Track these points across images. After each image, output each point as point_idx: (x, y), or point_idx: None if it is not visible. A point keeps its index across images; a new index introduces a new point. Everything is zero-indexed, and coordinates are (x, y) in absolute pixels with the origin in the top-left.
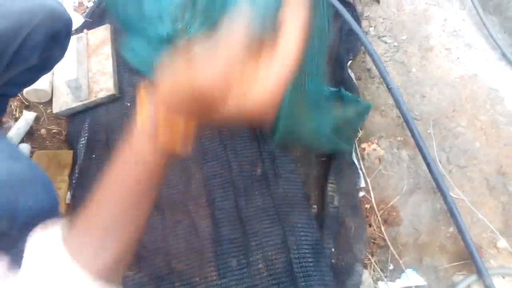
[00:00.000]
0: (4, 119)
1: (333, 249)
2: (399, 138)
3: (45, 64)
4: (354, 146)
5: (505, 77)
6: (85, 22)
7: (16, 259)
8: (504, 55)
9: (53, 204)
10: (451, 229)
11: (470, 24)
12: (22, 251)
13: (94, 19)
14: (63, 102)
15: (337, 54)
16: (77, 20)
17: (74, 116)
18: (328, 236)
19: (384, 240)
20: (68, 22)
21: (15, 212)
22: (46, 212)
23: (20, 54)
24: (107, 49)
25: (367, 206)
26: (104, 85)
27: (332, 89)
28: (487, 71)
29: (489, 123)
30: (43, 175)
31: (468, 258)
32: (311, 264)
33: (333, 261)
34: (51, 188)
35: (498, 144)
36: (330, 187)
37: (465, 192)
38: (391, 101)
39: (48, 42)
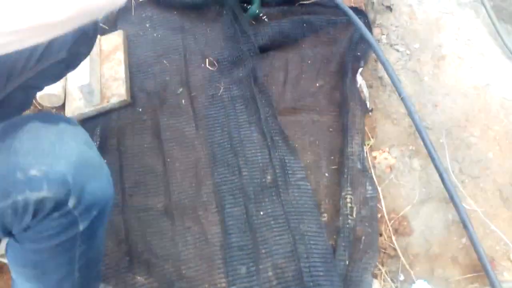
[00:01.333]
0: None
1: (347, 262)
2: (410, 147)
3: (73, 60)
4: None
5: None
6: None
7: (67, 241)
8: None
9: (112, 195)
10: (463, 240)
11: (484, 33)
12: (78, 232)
13: (107, 25)
14: (76, 107)
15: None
16: None
17: (86, 121)
18: (344, 248)
19: (395, 250)
20: (96, 20)
21: (83, 194)
22: (107, 199)
23: (51, 46)
24: (120, 55)
25: (378, 215)
26: (116, 90)
27: None
28: (501, 81)
29: (502, 133)
30: (107, 166)
31: (481, 271)
32: (321, 274)
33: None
34: (111, 180)
35: (511, 155)
36: (349, 198)
37: (478, 203)
38: (403, 109)
39: (77, 38)
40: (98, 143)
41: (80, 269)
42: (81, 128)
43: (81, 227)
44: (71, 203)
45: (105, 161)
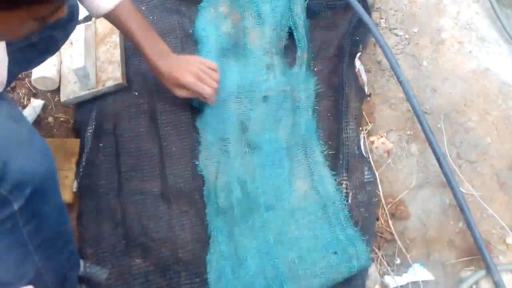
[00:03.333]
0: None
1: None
2: (408, 132)
3: (48, 46)
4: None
5: None
6: None
7: (5, 220)
8: None
9: (50, 170)
10: (460, 224)
11: (484, 17)
12: (14, 212)
13: None
14: (71, 90)
15: (343, 47)
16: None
17: (81, 104)
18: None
19: (392, 234)
20: (73, 6)
21: (6, 171)
22: (41, 177)
23: None
24: (115, 38)
25: (375, 199)
26: (112, 74)
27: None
28: (500, 66)
29: (501, 118)
30: (42, 140)
31: (477, 254)
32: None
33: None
34: (49, 154)
35: (509, 140)
36: (345, 184)
37: (475, 188)
38: (401, 94)
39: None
40: (93, 126)
41: (37, 251)
42: (7, 101)
43: (16, 206)
44: None
45: (101, 144)
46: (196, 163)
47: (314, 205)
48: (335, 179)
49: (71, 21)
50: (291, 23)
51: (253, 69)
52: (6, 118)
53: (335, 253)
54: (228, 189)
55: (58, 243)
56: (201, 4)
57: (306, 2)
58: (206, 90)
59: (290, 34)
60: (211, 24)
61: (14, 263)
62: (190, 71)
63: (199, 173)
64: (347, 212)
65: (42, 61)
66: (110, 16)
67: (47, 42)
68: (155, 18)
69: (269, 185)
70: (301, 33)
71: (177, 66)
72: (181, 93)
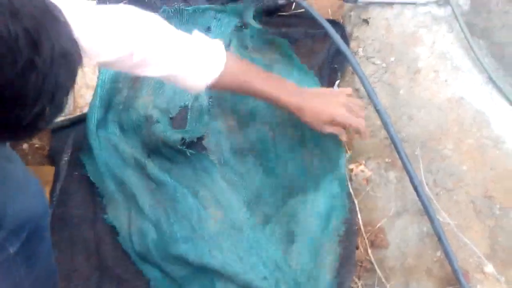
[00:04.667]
0: None
1: None
2: (387, 160)
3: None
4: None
5: (492, 100)
6: None
7: (2, 262)
8: (490, 78)
9: (44, 211)
10: (438, 253)
11: (458, 47)
12: (9, 255)
13: None
14: None
15: (323, 75)
16: None
17: (57, 131)
18: None
19: (371, 263)
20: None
21: (4, 216)
22: (37, 218)
23: None
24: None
25: (354, 228)
26: (90, 99)
27: None
28: (474, 94)
29: (475, 147)
30: (36, 181)
31: (455, 283)
32: None
33: None
34: (43, 195)
35: (484, 168)
36: None
37: (451, 216)
38: (379, 122)
39: None
40: (69, 154)
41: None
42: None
43: (11, 250)
44: None
45: (76, 173)
46: (104, 216)
47: (230, 229)
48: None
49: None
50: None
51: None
52: (0, 159)
53: (264, 278)
54: (142, 234)
55: (45, 278)
56: None
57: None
58: (361, 122)
59: None
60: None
61: None
62: (340, 103)
63: (111, 225)
64: (264, 237)
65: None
66: (217, 86)
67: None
68: None
69: (183, 217)
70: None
71: (322, 100)
72: (330, 129)
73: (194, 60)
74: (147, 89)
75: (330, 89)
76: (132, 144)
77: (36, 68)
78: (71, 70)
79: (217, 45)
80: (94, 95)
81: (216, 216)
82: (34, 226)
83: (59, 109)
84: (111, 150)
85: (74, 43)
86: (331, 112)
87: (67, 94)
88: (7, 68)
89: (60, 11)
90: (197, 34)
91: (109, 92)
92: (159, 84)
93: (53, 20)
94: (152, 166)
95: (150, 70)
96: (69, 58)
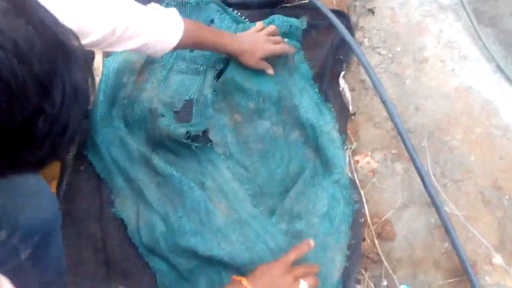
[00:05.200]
0: None
1: None
2: (393, 151)
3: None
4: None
5: (500, 89)
6: None
7: (14, 269)
8: (498, 67)
9: (56, 215)
10: (445, 245)
11: (465, 36)
12: (21, 260)
13: None
14: None
15: (327, 66)
16: None
17: None
18: None
19: (378, 255)
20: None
21: (18, 223)
22: (49, 223)
23: None
24: (99, 59)
25: (360, 220)
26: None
27: None
28: (482, 83)
29: (484, 136)
30: (46, 186)
31: (463, 275)
32: None
33: None
34: (54, 200)
35: (493, 158)
36: None
37: (459, 207)
38: (385, 113)
39: None
40: (75, 149)
41: None
42: None
43: (23, 256)
44: (5, 233)
45: (82, 168)
46: (113, 209)
47: (237, 220)
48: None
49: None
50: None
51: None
52: None
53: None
54: (151, 226)
55: (55, 276)
56: None
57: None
58: (285, 46)
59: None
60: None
61: None
62: (265, 40)
63: (119, 218)
64: (270, 226)
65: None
66: (178, 46)
67: None
68: None
69: (191, 210)
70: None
71: (252, 41)
72: (263, 65)
73: (161, 27)
74: (151, 83)
75: (252, 30)
76: (137, 138)
77: (44, 112)
78: (83, 105)
79: (173, 12)
80: (98, 90)
81: (221, 207)
82: (45, 231)
83: (71, 141)
84: (117, 144)
85: (86, 71)
86: (263, 48)
87: (78, 125)
88: (13, 115)
89: (71, 34)
90: (153, 5)
91: (113, 87)
92: (163, 78)
93: (64, 55)
94: (158, 160)
95: (130, 43)
96: (80, 93)
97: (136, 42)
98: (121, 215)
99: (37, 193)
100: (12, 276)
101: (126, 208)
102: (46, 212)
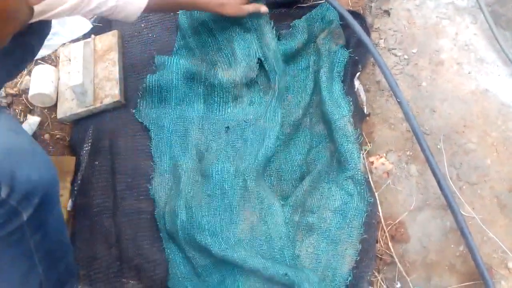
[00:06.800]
0: None
1: None
2: (408, 153)
3: (24, 53)
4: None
5: None
6: (93, 27)
7: (14, 232)
8: None
9: (54, 178)
10: (461, 248)
11: (482, 39)
12: (22, 222)
13: (102, 24)
14: (68, 107)
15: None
16: (85, 25)
17: (78, 121)
18: None
19: (392, 257)
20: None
21: (16, 181)
22: (47, 185)
23: None
24: (114, 55)
25: (374, 221)
26: (110, 91)
27: None
28: (499, 87)
29: (500, 140)
30: (42, 150)
31: (478, 279)
32: None
33: None
34: (51, 163)
35: (509, 161)
36: None
37: (475, 210)
38: (400, 114)
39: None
40: (89, 144)
41: (41, 261)
42: (5, 114)
43: (25, 216)
44: (3, 192)
45: (97, 162)
46: (149, 187)
47: (259, 238)
48: (284, 210)
49: (45, 25)
50: (259, 54)
51: (219, 100)
52: (7, 131)
53: (285, 275)
54: (174, 213)
55: (58, 253)
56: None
57: (276, 31)
58: (256, 5)
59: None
60: (184, 48)
61: (19, 276)
62: None
63: (151, 197)
64: (292, 250)
65: (22, 69)
66: (148, 9)
67: (23, 49)
68: (154, 35)
69: (215, 215)
70: (271, 65)
71: None
72: (251, 7)
73: None
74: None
75: None
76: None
77: None
78: None
79: None
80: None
81: (249, 221)
82: (45, 194)
83: None
84: (179, 134)
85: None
86: None
87: None
88: None
89: None
90: None
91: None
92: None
93: None
94: (205, 162)
95: (103, 6)
96: None
97: (107, 3)
98: (154, 195)
99: (31, 153)
100: (13, 238)
101: (160, 190)
102: (42, 173)
